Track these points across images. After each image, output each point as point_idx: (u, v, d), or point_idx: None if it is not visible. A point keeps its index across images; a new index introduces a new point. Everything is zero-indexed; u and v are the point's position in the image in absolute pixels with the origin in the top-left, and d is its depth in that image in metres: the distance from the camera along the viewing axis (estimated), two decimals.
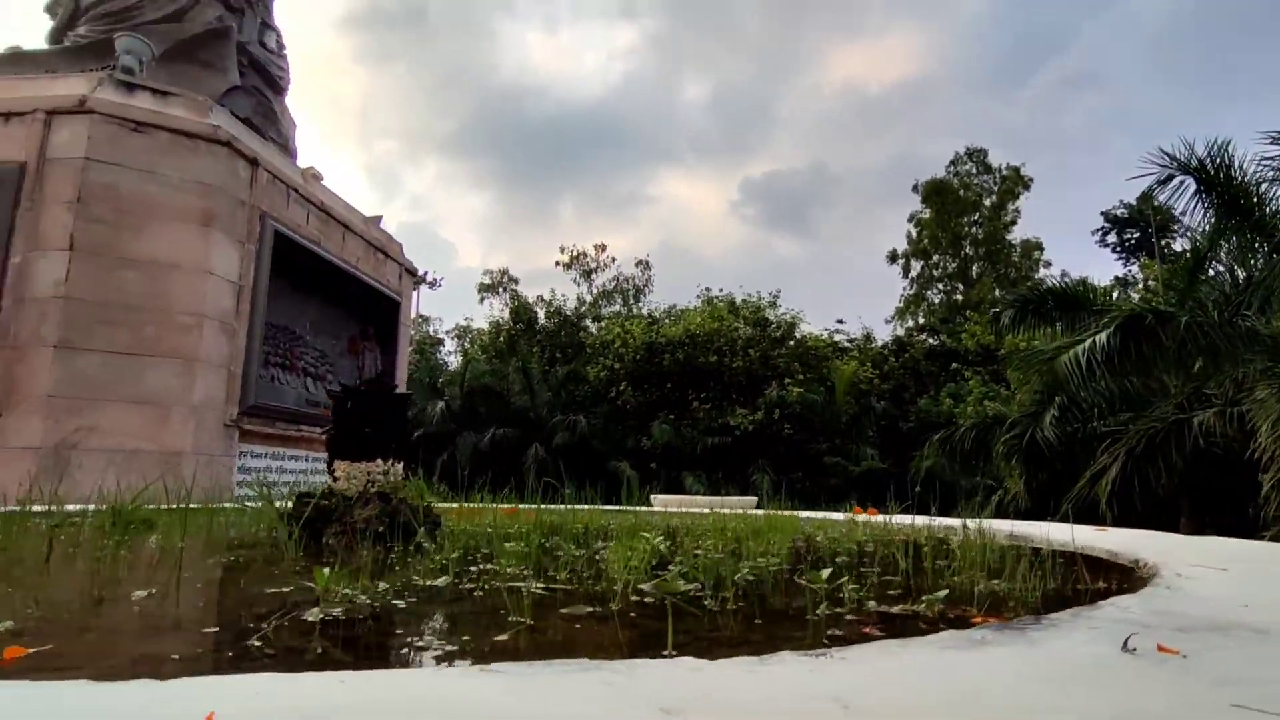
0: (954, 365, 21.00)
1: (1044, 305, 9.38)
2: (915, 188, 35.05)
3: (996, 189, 34.53)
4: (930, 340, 24.87)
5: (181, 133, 7.43)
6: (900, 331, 29.55)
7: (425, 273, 36.27)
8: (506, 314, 27.72)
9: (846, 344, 23.92)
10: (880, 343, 24.59)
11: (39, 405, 6.54)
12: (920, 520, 3.50)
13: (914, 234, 34.85)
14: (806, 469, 18.30)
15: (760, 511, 6.02)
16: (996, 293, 28.62)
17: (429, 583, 1.96)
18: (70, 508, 3.64)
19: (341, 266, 9.49)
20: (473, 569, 2.24)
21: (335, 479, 3.00)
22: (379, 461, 3.02)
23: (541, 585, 1.91)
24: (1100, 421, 9.14)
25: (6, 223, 6.87)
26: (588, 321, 27.86)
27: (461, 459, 18.29)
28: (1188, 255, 11.07)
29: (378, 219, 11.55)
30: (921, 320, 31.67)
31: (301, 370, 9.11)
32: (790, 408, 18.93)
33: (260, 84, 10.30)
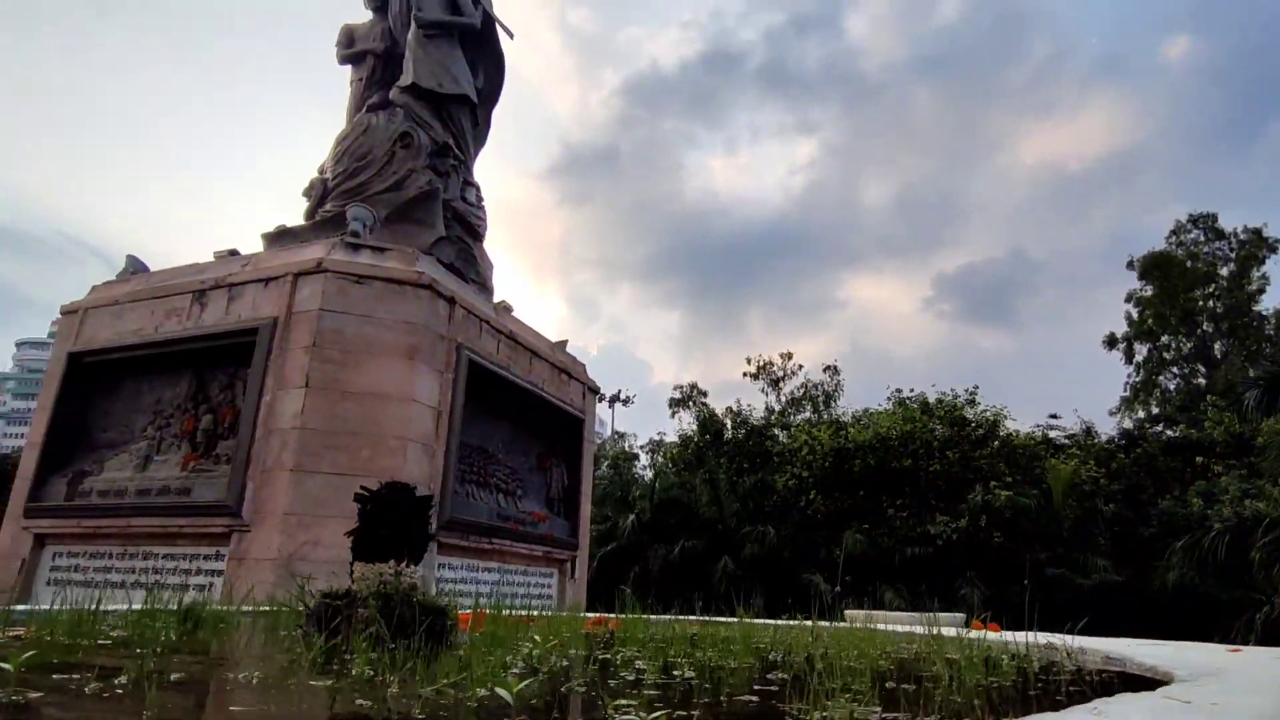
0: (1199, 459, 18.19)
1: None
2: (1131, 264, 31.91)
3: (1234, 255, 30.55)
4: (1168, 432, 21.84)
5: (393, 280, 8.62)
6: (1128, 424, 26.27)
7: (618, 391, 38.17)
8: (694, 426, 28.16)
9: (1064, 440, 21.61)
10: (1104, 437, 21.96)
11: (278, 522, 7.55)
12: (1034, 639, 3.06)
13: (1135, 314, 31.45)
14: (1024, 581, 16.35)
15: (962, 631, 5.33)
16: (1250, 373, 24.78)
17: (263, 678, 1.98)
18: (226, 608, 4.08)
19: (528, 388, 10.27)
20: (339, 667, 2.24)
21: (353, 579, 3.16)
22: (391, 562, 3.13)
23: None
24: None
25: (262, 367, 8.25)
26: (776, 430, 27.55)
27: (652, 571, 18.36)
28: None
29: (563, 343, 12.46)
30: (1155, 409, 27.99)
31: (494, 486, 9.79)
32: (999, 513, 17.22)
33: (462, 233, 11.74)
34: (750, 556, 18.08)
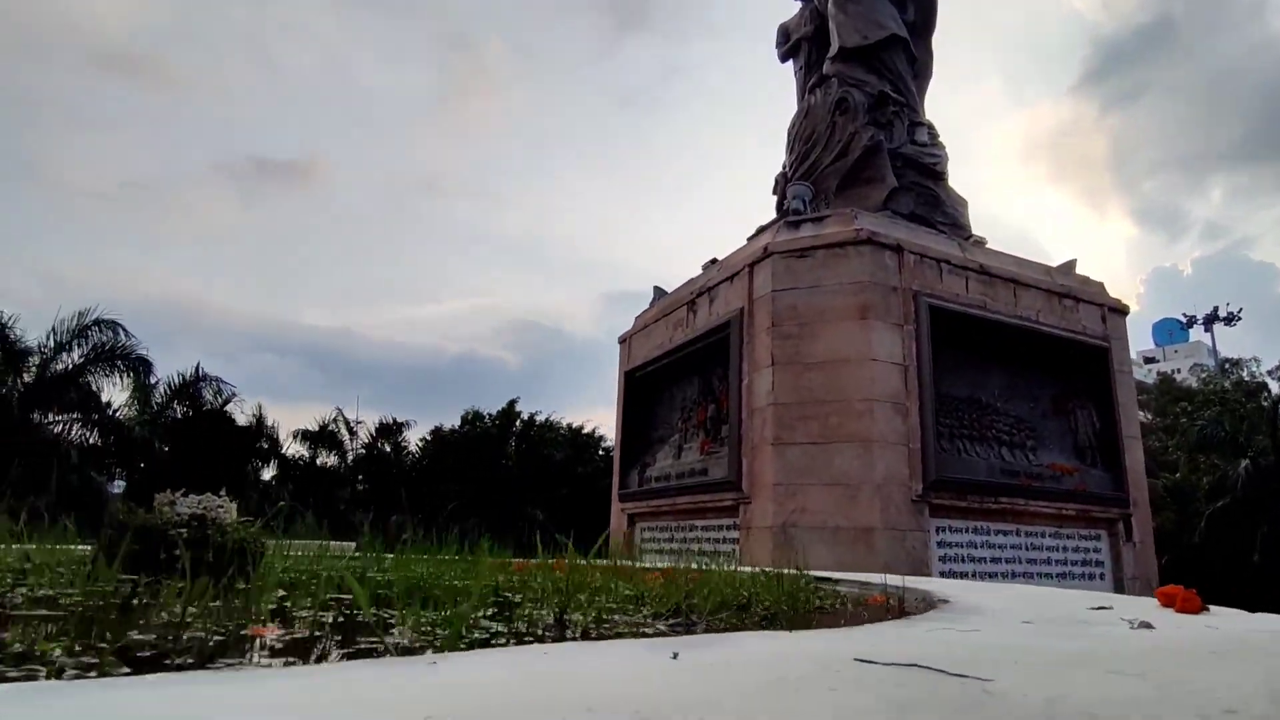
0: None
1: None
2: None
3: None
4: None
5: (834, 245, 8.59)
6: None
7: (1215, 308, 29.75)
8: None
9: None
10: None
11: (770, 492, 8.17)
12: None
13: None
14: None
15: None
16: None
17: None
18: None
19: (1015, 324, 8.98)
20: None
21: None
22: (168, 491, 2.58)
23: None
24: None
25: (738, 354, 9.10)
26: None
27: None
28: None
29: (1069, 264, 10.54)
30: None
31: (993, 440, 8.78)
32: None
33: (918, 177, 10.99)
34: None
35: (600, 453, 29.09)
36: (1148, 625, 1.33)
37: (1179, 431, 18.43)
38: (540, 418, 29.85)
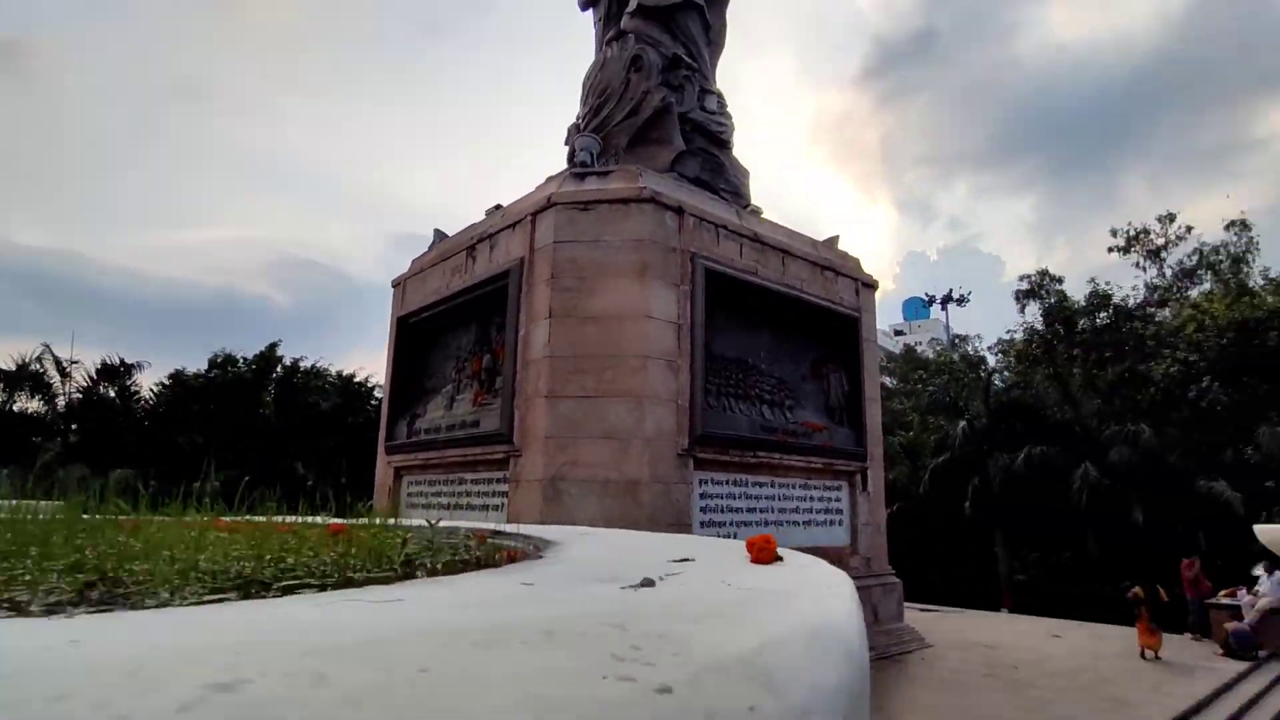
0: None
1: None
2: None
3: None
4: None
5: (618, 201, 8.49)
6: None
7: (950, 290, 34.47)
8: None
9: None
10: None
11: (541, 445, 8.00)
12: None
13: None
14: None
15: None
16: None
17: None
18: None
19: (782, 291, 9.50)
20: None
21: None
22: None
23: None
24: None
25: (515, 304, 8.76)
26: (1152, 310, 22.39)
27: (993, 482, 16.26)
28: None
29: (833, 239, 11.35)
30: None
31: (757, 399, 9.29)
32: None
33: (705, 144, 11.21)
34: (1119, 462, 14.95)
35: (373, 403, 27.44)
36: (650, 584, 1.24)
37: (915, 396, 21.09)
38: (306, 363, 27.55)
